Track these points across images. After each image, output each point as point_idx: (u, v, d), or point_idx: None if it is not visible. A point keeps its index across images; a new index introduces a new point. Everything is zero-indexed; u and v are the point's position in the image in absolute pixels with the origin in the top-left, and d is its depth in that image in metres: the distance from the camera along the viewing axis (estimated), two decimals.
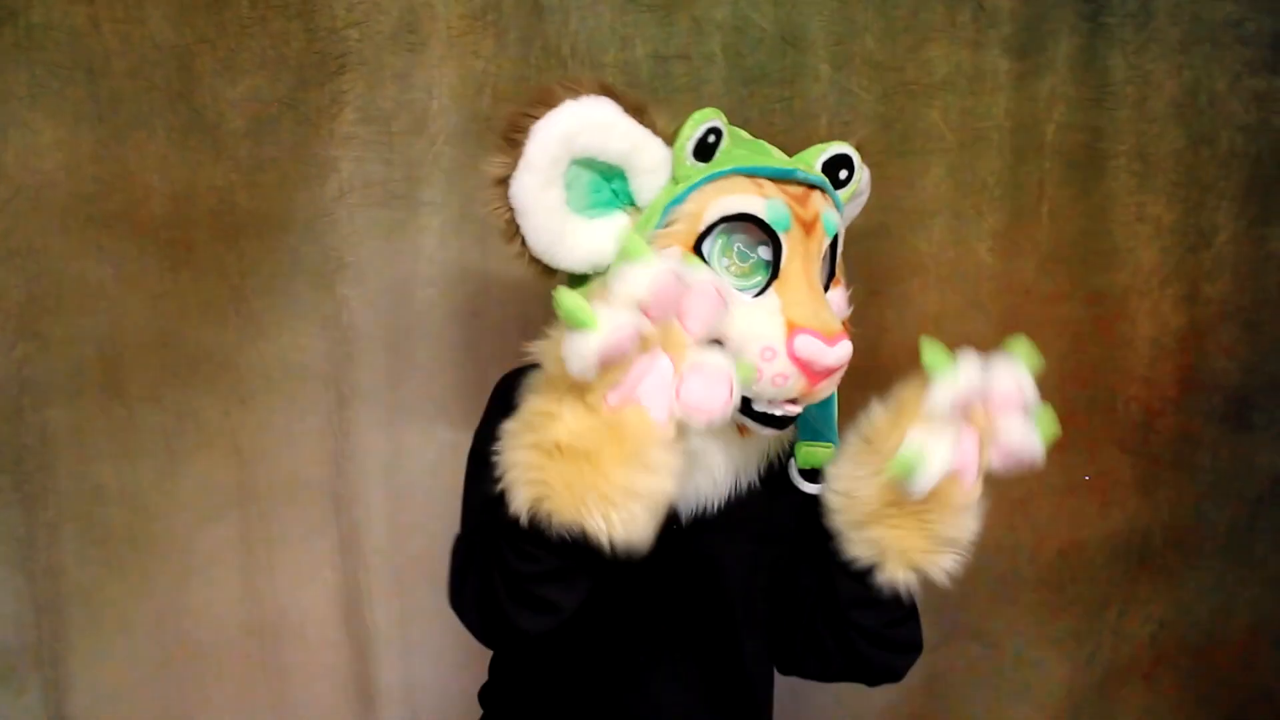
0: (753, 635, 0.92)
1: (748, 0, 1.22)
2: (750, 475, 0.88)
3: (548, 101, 0.78)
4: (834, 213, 0.85)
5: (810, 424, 0.89)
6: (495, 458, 0.72)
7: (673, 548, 0.80)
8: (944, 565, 0.81)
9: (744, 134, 0.89)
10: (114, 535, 1.28)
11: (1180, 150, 1.34)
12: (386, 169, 1.20)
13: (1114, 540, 1.49)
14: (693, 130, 0.80)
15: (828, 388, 0.82)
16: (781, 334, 0.77)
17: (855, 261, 1.28)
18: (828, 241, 0.83)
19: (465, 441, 1.25)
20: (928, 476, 0.74)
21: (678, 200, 0.81)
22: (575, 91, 0.79)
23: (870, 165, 1.23)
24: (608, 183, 0.85)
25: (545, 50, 1.19)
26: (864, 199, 1.01)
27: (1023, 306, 1.37)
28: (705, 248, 0.81)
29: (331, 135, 1.19)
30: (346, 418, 1.29)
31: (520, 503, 0.69)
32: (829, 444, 0.89)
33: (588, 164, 0.83)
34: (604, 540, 0.68)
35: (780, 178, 0.82)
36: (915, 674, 1.45)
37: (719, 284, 0.70)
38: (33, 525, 1.25)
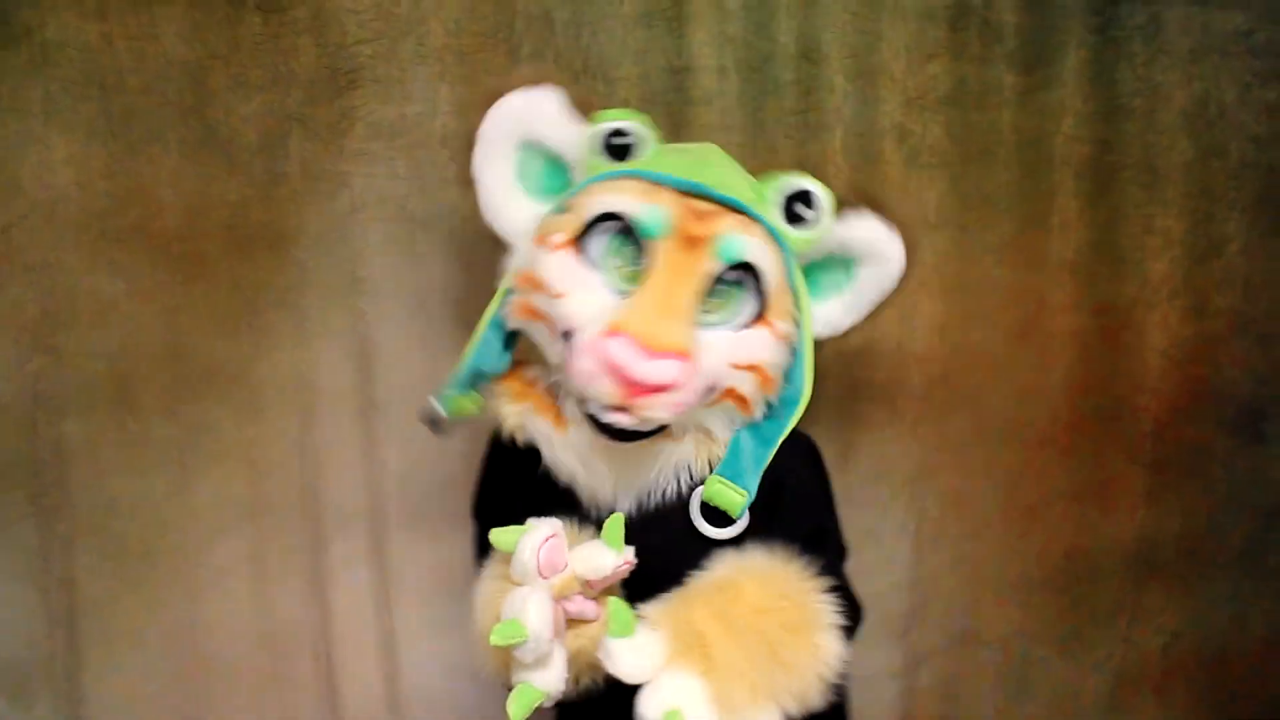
0: None
1: (762, 13, 1.22)
2: (631, 497, 0.88)
3: (512, 88, 0.88)
4: (752, 241, 0.80)
5: (734, 461, 0.86)
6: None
7: None
8: None
9: (706, 152, 0.90)
10: (127, 549, 1.28)
11: (1190, 162, 1.34)
12: (398, 184, 1.21)
13: (1123, 549, 1.50)
14: (596, 125, 0.84)
15: (656, 407, 0.75)
16: (597, 329, 0.75)
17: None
18: (720, 265, 0.79)
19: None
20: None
21: (575, 191, 0.85)
22: (534, 83, 0.87)
23: (878, 182, 1.24)
24: (560, 173, 0.90)
25: (558, 65, 1.20)
26: (886, 268, 0.95)
27: (1032, 318, 1.38)
28: (592, 244, 0.81)
29: (342, 151, 1.19)
30: (362, 431, 1.29)
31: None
32: (742, 490, 0.84)
33: (537, 150, 0.89)
34: None
35: (684, 190, 0.80)
36: (924, 678, 1.46)
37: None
38: (47, 539, 1.25)
